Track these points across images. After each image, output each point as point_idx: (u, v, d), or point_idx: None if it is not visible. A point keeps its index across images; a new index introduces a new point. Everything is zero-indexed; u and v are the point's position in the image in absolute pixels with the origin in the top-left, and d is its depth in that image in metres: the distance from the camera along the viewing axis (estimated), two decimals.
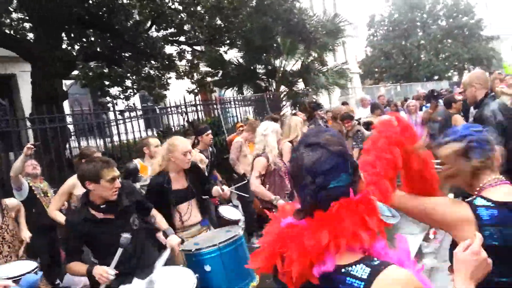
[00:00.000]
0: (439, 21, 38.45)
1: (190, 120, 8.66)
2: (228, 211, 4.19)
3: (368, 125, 7.72)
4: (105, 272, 2.62)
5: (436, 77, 36.23)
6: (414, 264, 1.20)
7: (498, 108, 3.64)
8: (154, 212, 3.34)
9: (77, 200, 4.10)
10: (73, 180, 4.18)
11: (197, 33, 10.38)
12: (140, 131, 7.63)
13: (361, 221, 1.13)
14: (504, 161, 3.19)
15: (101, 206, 2.86)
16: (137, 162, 4.86)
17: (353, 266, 1.09)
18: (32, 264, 3.36)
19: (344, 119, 7.27)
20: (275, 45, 12.22)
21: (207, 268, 3.07)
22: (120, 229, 2.74)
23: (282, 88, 12.86)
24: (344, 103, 13.44)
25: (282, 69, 12.55)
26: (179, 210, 3.60)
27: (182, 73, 10.99)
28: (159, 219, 3.33)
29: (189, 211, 3.65)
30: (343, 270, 1.10)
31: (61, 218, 4.09)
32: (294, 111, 11.17)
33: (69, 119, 7.38)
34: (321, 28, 12.61)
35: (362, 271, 1.07)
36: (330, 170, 1.15)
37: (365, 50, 39.12)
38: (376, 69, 37.80)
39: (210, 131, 5.94)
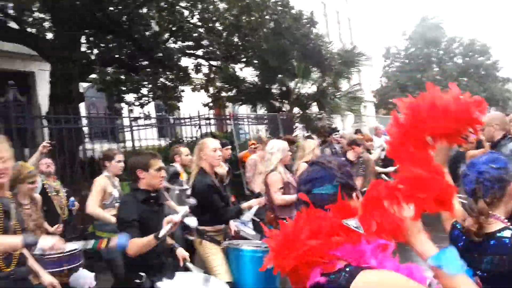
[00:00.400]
0: (455, 59, 38.65)
1: (204, 133, 8.68)
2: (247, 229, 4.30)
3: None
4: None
5: None
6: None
7: None
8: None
9: (109, 197, 4.34)
10: (103, 179, 4.39)
11: (214, 49, 10.52)
12: (153, 139, 7.65)
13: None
14: None
15: (152, 194, 3.06)
16: (177, 165, 5.12)
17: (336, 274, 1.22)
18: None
19: (351, 145, 6.71)
20: (290, 67, 12.32)
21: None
22: (162, 219, 2.89)
23: (296, 110, 12.89)
24: (357, 131, 13.40)
25: (296, 91, 12.61)
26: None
27: (198, 86, 11.08)
28: None
29: None
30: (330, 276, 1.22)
31: (103, 214, 4.23)
32: (308, 134, 11.16)
33: (84, 121, 7.43)
34: (337, 56, 12.73)
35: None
36: (316, 179, 1.42)
37: (380, 80, 39.31)
38: (390, 100, 37.89)
39: (230, 146, 5.97)
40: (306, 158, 5.20)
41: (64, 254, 3.62)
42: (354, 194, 1.44)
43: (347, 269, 1.21)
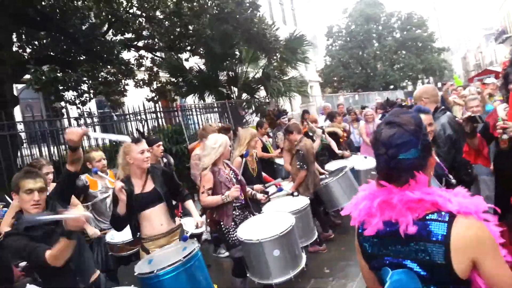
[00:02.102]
0: (393, 33, 40.05)
1: (139, 130, 8.40)
2: (191, 224, 4.10)
3: (336, 135, 7.79)
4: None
5: (391, 87, 37.61)
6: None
7: (447, 121, 3.73)
8: None
9: None
10: None
11: (156, 39, 10.16)
12: (96, 138, 7.33)
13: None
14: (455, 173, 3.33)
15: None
16: (84, 177, 4.56)
17: (432, 214, 1.40)
18: None
19: (286, 134, 6.13)
20: (236, 53, 12.20)
21: None
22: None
23: (244, 95, 12.85)
24: (305, 111, 13.60)
25: (243, 76, 12.55)
26: (147, 215, 3.47)
27: (141, 82, 10.70)
28: None
29: (157, 217, 3.52)
30: (427, 217, 1.40)
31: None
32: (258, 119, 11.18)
33: (20, 127, 6.97)
34: (282, 40, 12.73)
35: (442, 215, 1.39)
36: (401, 145, 1.43)
37: (325, 59, 40.06)
38: (335, 78, 38.79)
39: (161, 142, 5.67)
40: (239, 151, 5.06)
41: None
42: (433, 153, 1.53)
43: (441, 213, 1.39)
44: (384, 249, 1.50)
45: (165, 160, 5.81)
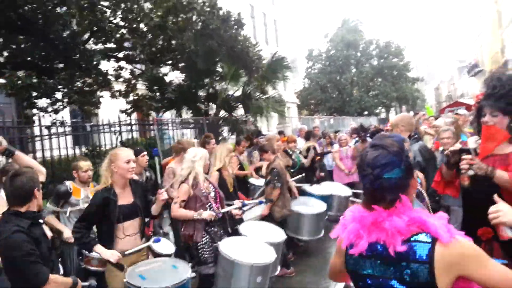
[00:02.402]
0: (371, 60, 41.15)
1: (122, 140, 8.29)
2: (161, 244, 3.99)
3: (314, 149, 8.01)
4: None
5: (366, 113, 38.42)
6: None
7: (418, 149, 3.99)
8: None
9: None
10: None
11: (137, 51, 10.11)
12: (67, 148, 7.16)
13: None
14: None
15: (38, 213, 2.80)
16: (69, 184, 4.50)
17: (417, 235, 1.47)
18: None
19: (260, 152, 6.41)
20: (218, 70, 12.24)
21: None
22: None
23: (222, 112, 12.86)
24: (280, 132, 13.72)
25: (223, 93, 12.58)
26: (124, 228, 3.38)
27: (117, 93, 10.56)
28: None
29: (134, 231, 3.46)
30: (411, 239, 1.47)
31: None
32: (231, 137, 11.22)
33: None
34: (263, 58, 12.88)
35: (425, 237, 1.45)
36: (385, 165, 1.51)
37: (303, 81, 40.69)
38: (312, 101, 39.37)
39: (145, 153, 5.67)
40: (217, 166, 5.17)
41: None
42: (414, 174, 1.60)
43: (423, 234, 1.46)
44: (367, 269, 1.57)
45: (148, 173, 5.79)
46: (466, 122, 7.62)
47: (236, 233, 4.55)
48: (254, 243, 4.25)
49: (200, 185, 4.19)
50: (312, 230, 5.89)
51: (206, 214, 4.03)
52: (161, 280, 3.10)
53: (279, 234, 4.79)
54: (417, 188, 1.76)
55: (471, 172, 2.73)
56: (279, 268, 4.75)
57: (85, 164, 4.61)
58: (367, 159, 1.56)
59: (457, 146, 2.91)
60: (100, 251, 3.23)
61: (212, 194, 4.31)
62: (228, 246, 3.95)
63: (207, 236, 4.15)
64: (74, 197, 4.48)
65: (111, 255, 3.20)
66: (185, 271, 3.31)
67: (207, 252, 4.06)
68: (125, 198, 3.46)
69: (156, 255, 3.79)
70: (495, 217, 1.88)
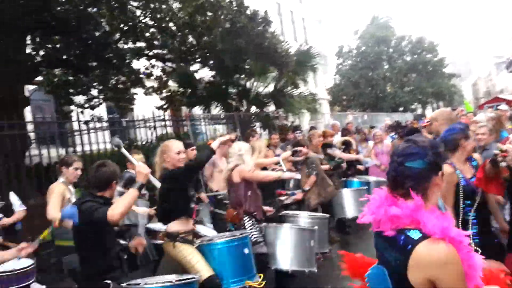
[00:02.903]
0: (404, 56, 40.18)
1: (160, 135, 8.45)
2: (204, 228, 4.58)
3: (346, 145, 7.89)
4: None
5: (401, 109, 37.53)
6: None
7: None
8: None
9: (68, 203, 4.07)
10: (60, 185, 4.24)
11: (168, 49, 10.26)
12: (105, 142, 7.35)
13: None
14: None
15: None
16: (133, 171, 4.87)
17: (408, 231, 1.56)
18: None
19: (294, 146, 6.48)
20: (246, 67, 12.28)
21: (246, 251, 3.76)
22: None
23: (253, 109, 12.89)
24: (312, 128, 13.59)
25: (253, 90, 12.60)
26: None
27: (150, 89, 10.77)
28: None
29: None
30: (404, 231, 1.57)
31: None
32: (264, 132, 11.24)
33: (30, 127, 7.01)
34: (292, 54, 12.81)
35: (415, 233, 1.54)
36: (409, 154, 1.64)
37: (334, 78, 40.23)
38: (344, 97, 38.82)
39: (195, 147, 5.86)
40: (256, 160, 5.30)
41: (15, 272, 3.43)
42: (440, 173, 1.66)
43: (416, 231, 1.54)
44: (377, 244, 1.73)
45: None
46: (506, 118, 7.35)
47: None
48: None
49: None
50: (356, 206, 6.04)
51: (290, 174, 4.67)
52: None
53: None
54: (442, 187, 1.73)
55: (503, 164, 2.81)
56: (327, 246, 5.12)
57: (139, 157, 4.99)
58: (396, 150, 1.73)
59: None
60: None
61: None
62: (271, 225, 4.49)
63: (252, 219, 4.37)
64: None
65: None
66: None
67: (256, 233, 4.28)
68: None
69: (200, 237, 4.09)
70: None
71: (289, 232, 4.32)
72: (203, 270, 3.50)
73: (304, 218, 4.96)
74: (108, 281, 2.92)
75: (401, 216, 1.57)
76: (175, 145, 3.72)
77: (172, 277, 3.20)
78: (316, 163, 5.75)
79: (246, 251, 3.75)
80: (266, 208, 4.81)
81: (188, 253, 3.61)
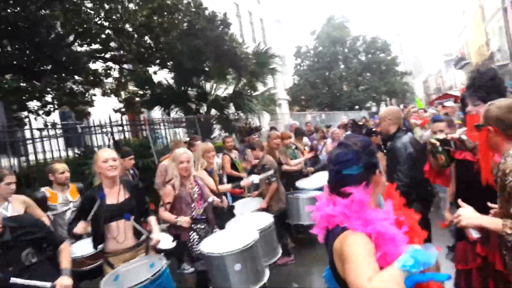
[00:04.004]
0: (359, 56, 41.40)
1: (116, 140, 8.24)
2: (165, 239, 4.13)
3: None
4: None
5: (356, 107, 38.65)
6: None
7: (409, 141, 3.95)
8: (62, 247, 3.08)
9: None
10: None
11: (124, 51, 10.05)
12: (59, 150, 7.11)
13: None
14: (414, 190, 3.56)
15: None
16: (45, 190, 4.58)
17: (337, 227, 1.65)
18: None
19: (251, 149, 6.56)
20: (206, 69, 12.24)
21: None
22: (6, 265, 2.69)
23: (213, 111, 12.87)
24: (272, 128, 13.76)
25: (213, 92, 12.58)
26: (110, 229, 3.42)
27: (109, 91, 10.50)
28: (63, 256, 3.03)
29: (122, 231, 3.45)
30: (334, 228, 1.67)
31: None
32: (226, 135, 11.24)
33: None
34: (251, 57, 12.88)
35: (339, 229, 1.63)
36: (344, 162, 1.68)
37: (293, 78, 40.81)
38: (303, 97, 39.51)
39: (132, 156, 5.73)
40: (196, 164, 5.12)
41: None
42: (377, 171, 1.73)
43: (340, 228, 1.62)
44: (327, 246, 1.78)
45: (131, 171, 5.80)
46: (454, 113, 7.76)
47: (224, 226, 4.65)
48: (240, 231, 4.26)
49: (183, 187, 4.27)
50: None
51: (184, 221, 4.11)
52: (131, 280, 3.05)
53: (264, 220, 4.74)
54: (383, 184, 1.80)
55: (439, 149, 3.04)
56: (279, 254, 4.72)
57: (61, 166, 4.66)
58: (331, 156, 1.76)
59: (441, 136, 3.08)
60: (75, 230, 3.37)
61: (196, 195, 4.34)
62: (209, 243, 4.01)
63: (194, 234, 4.23)
64: (50, 203, 4.51)
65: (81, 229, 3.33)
66: (159, 264, 3.23)
67: (198, 250, 4.10)
68: (117, 197, 3.49)
69: (157, 251, 3.75)
70: (457, 222, 2.06)
71: (216, 261, 3.79)
72: None
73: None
74: None
75: (335, 214, 1.65)
76: (102, 154, 3.47)
77: (145, 274, 3.03)
78: (273, 169, 5.71)
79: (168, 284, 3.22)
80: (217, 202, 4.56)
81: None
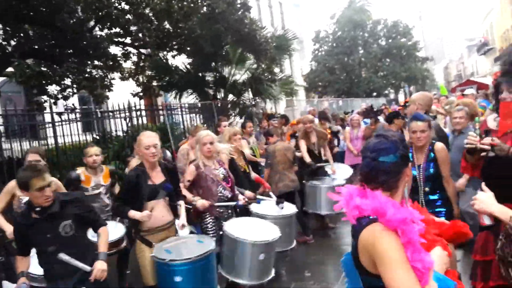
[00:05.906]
0: (379, 41, 40.51)
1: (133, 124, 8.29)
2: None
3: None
4: None
5: (374, 94, 38.03)
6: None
7: (433, 128, 3.89)
8: (101, 230, 3.27)
9: (18, 202, 4.01)
10: (12, 182, 4.00)
11: (144, 36, 10.03)
12: (78, 134, 7.19)
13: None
14: None
15: (37, 209, 2.96)
16: (81, 171, 4.67)
17: (365, 218, 1.65)
18: None
19: (266, 136, 6.87)
20: (225, 54, 12.15)
21: (177, 279, 3.28)
22: (45, 232, 2.96)
23: (230, 97, 12.82)
24: (283, 116, 13.52)
25: (231, 78, 12.51)
26: (149, 207, 3.60)
27: (127, 74, 10.53)
28: (101, 240, 3.23)
29: (160, 210, 3.66)
30: (361, 219, 1.67)
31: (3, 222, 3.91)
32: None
33: None
34: (271, 41, 12.72)
35: (366, 220, 1.64)
36: (381, 149, 1.72)
37: (310, 64, 40.27)
38: (320, 83, 39.01)
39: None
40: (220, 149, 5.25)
41: None
42: (409, 164, 1.78)
43: (369, 218, 1.63)
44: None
45: (168, 153, 5.93)
46: (474, 101, 7.50)
47: (247, 213, 4.68)
48: (260, 223, 4.37)
49: (208, 167, 4.34)
50: (330, 204, 5.88)
51: (200, 204, 4.17)
52: (186, 254, 3.35)
53: (287, 209, 4.86)
54: (410, 176, 1.83)
55: (491, 154, 2.68)
56: (294, 242, 4.87)
57: (91, 150, 4.71)
58: (369, 145, 1.78)
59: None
60: (132, 214, 3.52)
61: (222, 175, 4.41)
62: (232, 226, 4.08)
63: (210, 216, 4.28)
64: (83, 185, 4.60)
65: (141, 216, 3.49)
66: (209, 244, 3.55)
67: (211, 232, 4.21)
68: (153, 179, 3.67)
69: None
70: (473, 205, 2.07)
71: (244, 247, 3.87)
72: (145, 276, 3.57)
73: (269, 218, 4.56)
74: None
75: (364, 205, 1.66)
76: (146, 140, 3.60)
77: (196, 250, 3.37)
78: (270, 155, 5.85)
79: (208, 274, 3.48)
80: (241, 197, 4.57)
81: (141, 251, 3.62)
